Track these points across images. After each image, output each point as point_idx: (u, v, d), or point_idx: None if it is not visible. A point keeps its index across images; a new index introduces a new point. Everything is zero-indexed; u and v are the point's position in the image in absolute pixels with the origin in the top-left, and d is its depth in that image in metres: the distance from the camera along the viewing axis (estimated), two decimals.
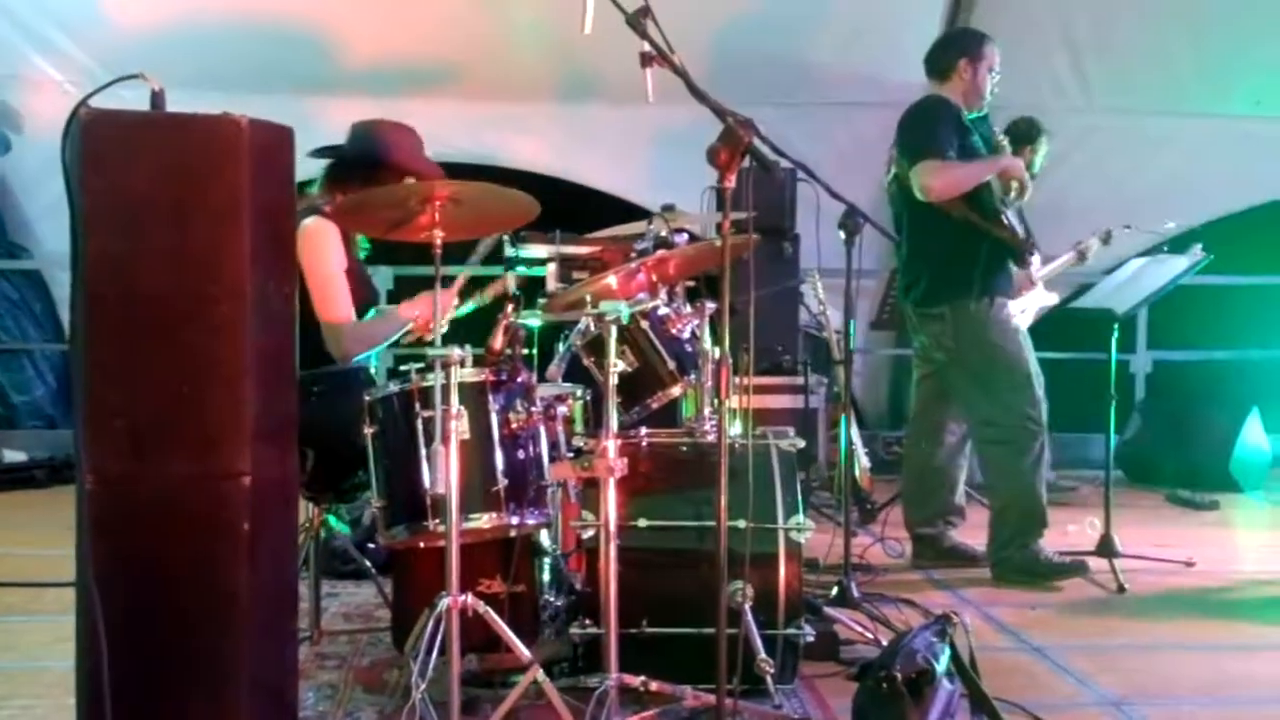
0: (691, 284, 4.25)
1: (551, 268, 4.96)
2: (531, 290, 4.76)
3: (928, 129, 4.70)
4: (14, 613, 4.29)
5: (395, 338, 3.97)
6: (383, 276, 7.24)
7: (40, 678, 3.55)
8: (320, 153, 3.85)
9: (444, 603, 2.83)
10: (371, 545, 4.39)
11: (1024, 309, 5.29)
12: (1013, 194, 4.76)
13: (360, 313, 3.87)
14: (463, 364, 2.88)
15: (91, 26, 7.25)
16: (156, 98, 2.53)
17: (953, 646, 3.05)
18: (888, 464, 7.10)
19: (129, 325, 2.49)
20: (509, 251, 4.68)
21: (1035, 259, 6.12)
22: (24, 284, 7.80)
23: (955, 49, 4.92)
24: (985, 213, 4.68)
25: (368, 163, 3.82)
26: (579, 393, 3.68)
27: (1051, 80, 7.62)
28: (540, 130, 7.89)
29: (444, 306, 3.86)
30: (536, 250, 4.84)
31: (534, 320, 4.15)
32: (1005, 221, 4.70)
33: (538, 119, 7.86)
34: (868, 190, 6.16)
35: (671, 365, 3.57)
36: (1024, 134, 6.34)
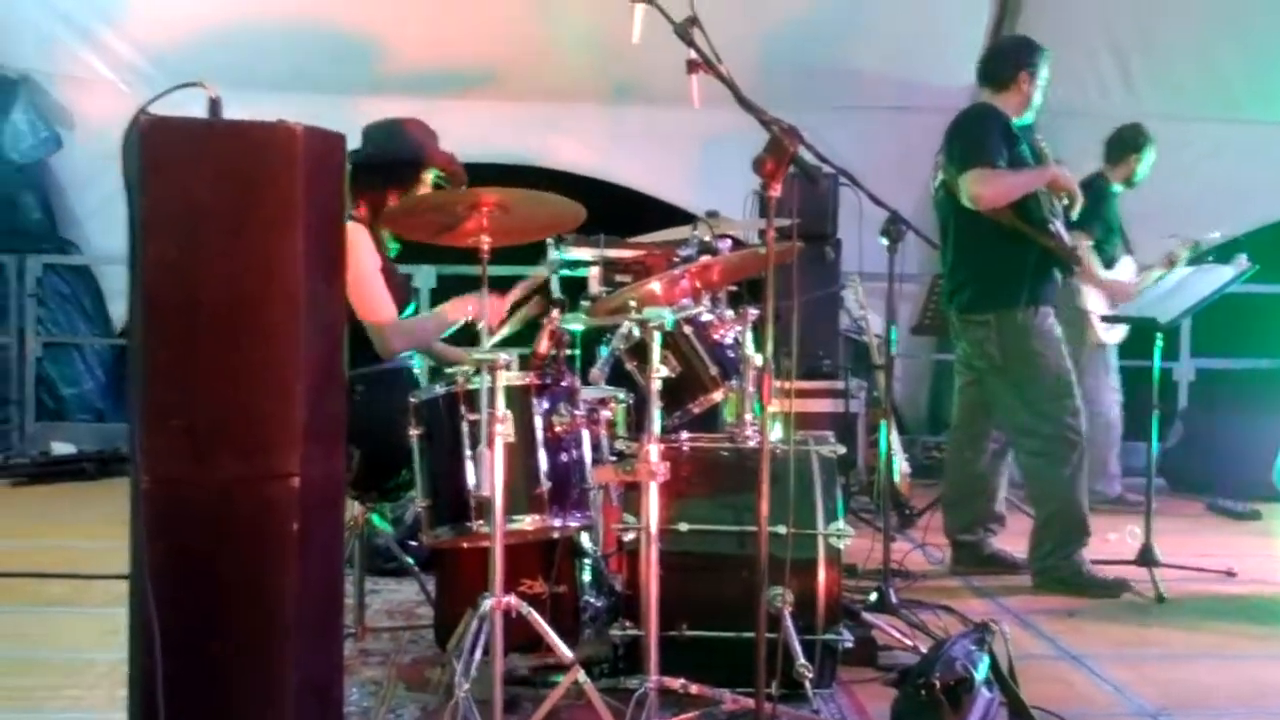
0: (733, 289, 4.28)
1: (594, 271, 4.99)
2: (574, 293, 4.81)
3: (978, 137, 4.70)
4: (63, 604, 4.38)
5: (441, 336, 4.01)
6: (425, 275, 7.31)
7: (90, 669, 3.62)
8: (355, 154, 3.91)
9: (488, 603, 2.87)
10: (413, 543, 4.44)
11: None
12: (1062, 204, 4.75)
13: (398, 312, 3.93)
14: (508, 367, 2.92)
15: (142, 26, 7.37)
16: (214, 105, 2.58)
17: (992, 655, 3.07)
18: (927, 469, 7.11)
19: (186, 328, 2.53)
20: (552, 254, 4.72)
21: (1128, 265, 6.14)
22: (74, 279, 7.92)
23: (1015, 60, 4.87)
24: (1033, 221, 4.68)
25: (386, 163, 3.86)
26: (620, 396, 3.71)
27: (1097, 83, 7.61)
28: (583, 132, 7.95)
29: (496, 312, 3.92)
30: (579, 253, 4.87)
31: (577, 324, 4.19)
32: (1053, 231, 4.70)
33: (581, 121, 7.91)
34: (911, 196, 6.18)
35: (714, 370, 3.59)
36: (1129, 142, 6.35)
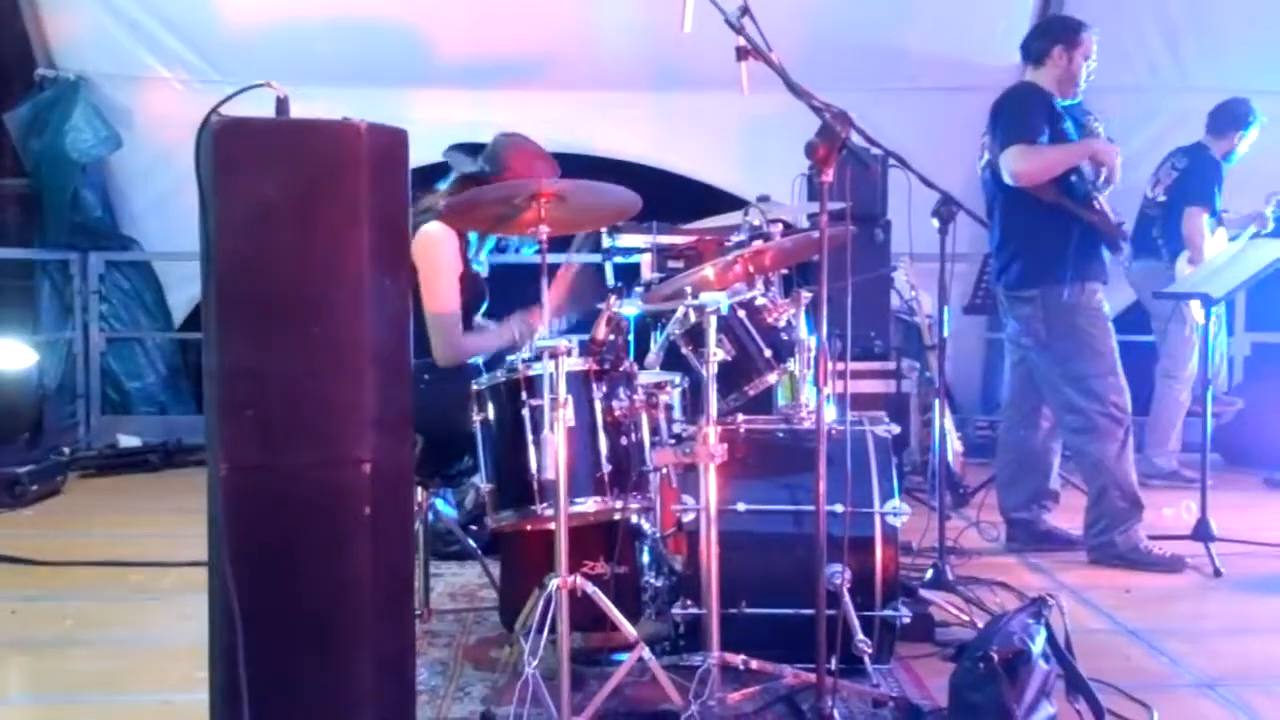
0: (784, 272, 4.33)
1: (647, 258, 5.06)
2: (627, 280, 4.87)
3: (1018, 114, 4.74)
4: (139, 591, 4.51)
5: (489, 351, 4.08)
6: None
7: (168, 652, 3.76)
8: (457, 148, 3.99)
9: (554, 583, 2.95)
10: (473, 528, 4.54)
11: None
12: (1102, 178, 4.76)
13: (467, 312, 4.01)
14: (569, 353, 2.99)
15: (197, 25, 7.50)
16: (281, 104, 2.66)
17: (1048, 628, 3.10)
18: (979, 448, 7.13)
19: (258, 321, 2.62)
20: (605, 242, 4.79)
21: (1220, 237, 6.11)
22: (135, 275, 8.05)
23: (1051, 35, 4.93)
24: (1076, 197, 4.70)
25: (477, 177, 3.96)
26: (676, 380, 3.77)
27: (1145, 59, 7.57)
28: (632, 120, 7.98)
29: (533, 328, 3.98)
30: (632, 240, 4.94)
31: (632, 310, 4.25)
32: (1096, 206, 4.71)
33: (629, 108, 7.95)
34: (960, 176, 6.19)
35: (768, 354, 3.64)
36: (1239, 117, 6.33)
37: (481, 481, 3.37)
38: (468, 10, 7.33)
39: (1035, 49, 4.93)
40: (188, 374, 8.19)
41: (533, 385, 3.14)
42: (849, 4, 7.32)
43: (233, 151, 2.60)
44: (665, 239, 4.80)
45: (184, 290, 8.10)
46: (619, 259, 4.84)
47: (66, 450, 7.09)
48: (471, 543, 4.31)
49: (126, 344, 8.04)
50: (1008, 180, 4.68)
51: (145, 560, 4.80)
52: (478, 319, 4.17)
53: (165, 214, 7.92)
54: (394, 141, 2.76)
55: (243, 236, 2.60)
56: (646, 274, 5.02)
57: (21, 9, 7.51)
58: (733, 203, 7.25)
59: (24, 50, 7.65)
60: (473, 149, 4.09)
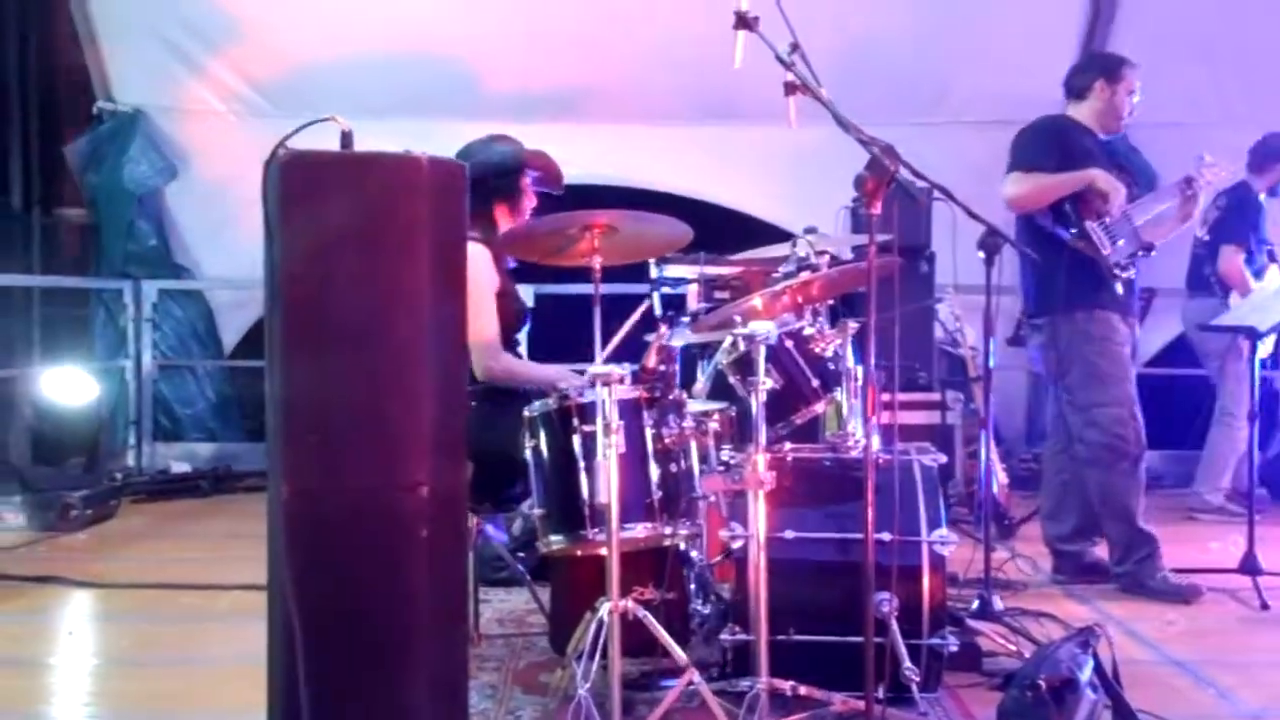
0: (830, 303, 4.38)
1: (693, 288, 5.11)
2: (673, 310, 4.92)
3: (1025, 142, 4.85)
4: (193, 614, 4.59)
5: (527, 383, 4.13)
6: (523, 294, 7.48)
7: (226, 674, 3.83)
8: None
9: (605, 607, 2.99)
10: (520, 554, 4.60)
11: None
12: (1107, 210, 4.75)
13: (508, 330, 4.08)
14: (622, 382, 3.04)
15: (250, 59, 7.66)
16: (346, 137, 2.74)
17: (1096, 658, 3.12)
18: (1023, 481, 7.12)
19: (321, 347, 2.69)
20: (653, 273, 4.85)
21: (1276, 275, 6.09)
22: (187, 303, 8.19)
23: (1093, 70, 4.98)
24: (1065, 225, 4.73)
25: (484, 177, 4.01)
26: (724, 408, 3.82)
27: (1188, 93, 7.57)
28: (674, 152, 8.05)
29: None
30: (679, 271, 4.99)
31: (679, 340, 4.30)
32: (1076, 234, 4.71)
33: (672, 141, 8.03)
34: (1003, 209, 6.20)
35: (815, 383, 3.69)
36: (1276, 150, 6.34)
37: (532, 507, 3.42)
38: (515, 44, 7.46)
39: (1077, 84, 4.98)
40: (237, 401, 8.31)
41: (584, 412, 3.20)
42: (893, 39, 7.38)
43: (298, 183, 2.68)
44: (712, 270, 4.85)
45: (235, 318, 8.24)
46: (666, 289, 4.90)
47: (119, 475, 7.22)
48: (520, 568, 4.36)
49: (178, 371, 8.18)
50: (1006, 206, 4.78)
51: (198, 583, 4.88)
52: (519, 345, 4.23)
53: (218, 244, 8.08)
54: (453, 174, 2.84)
55: (307, 265, 2.68)
56: (693, 304, 5.07)
57: (81, 43, 7.69)
58: (775, 235, 7.31)
59: (83, 84, 7.84)
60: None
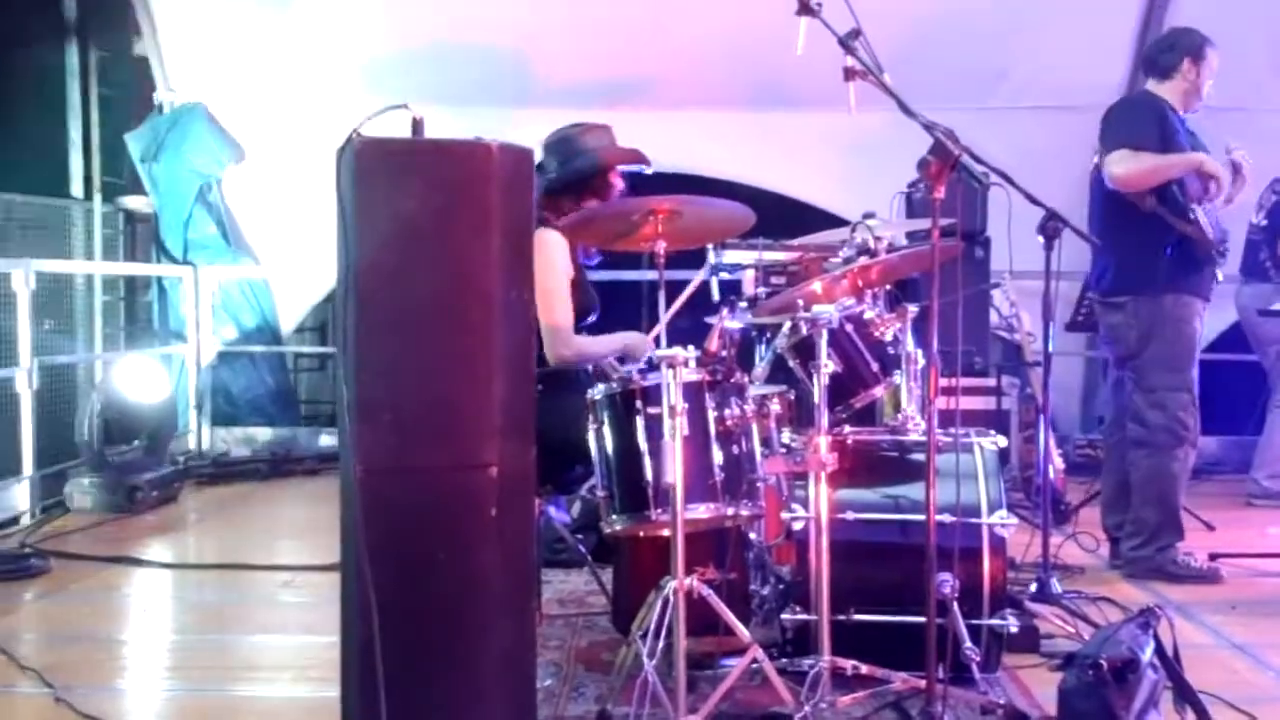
0: (888, 287, 4.39)
1: (750, 273, 5.14)
2: (731, 295, 4.95)
3: (1130, 119, 4.77)
4: (260, 593, 4.69)
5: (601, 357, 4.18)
6: None
7: (296, 648, 3.94)
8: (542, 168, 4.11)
9: (670, 586, 3.04)
10: (578, 536, 4.66)
11: None
12: (1211, 193, 4.76)
13: (579, 317, 4.12)
14: (687, 364, 3.08)
15: (311, 49, 7.74)
16: (417, 125, 2.80)
17: (1157, 639, 3.13)
18: (1079, 467, 7.12)
19: (394, 329, 2.75)
20: (711, 258, 4.88)
21: None
22: (246, 289, 8.31)
23: (1181, 49, 4.88)
24: (1174, 208, 4.70)
25: (574, 180, 4.07)
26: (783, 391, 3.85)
27: (1248, 78, 7.49)
28: (730, 138, 8.08)
29: (643, 349, 4.08)
30: (737, 256, 5.02)
31: (737, 324, 4.33)
32: (1193, 219, 4.70)
33: (727, 127, 8.05)
34: (1060, 195, 6.13)
35: (875, 367, 3.71)
36: None
37: (593, 490, 3.47)
38: (572, 32, 7.50)
39: (1162, 62, 4.89)
40: (295, 386, 8.42)
41: (648, 395, 3.23)
42: (950, 24, 7.35)
43: (371, 169, 2.73)
44: (770, 255, 4.88)
45: (292, 305, 8.36)
46: (723, 274, 4.93)
47: (181, 459, 7.34)
48: (581, 549, 4.41)
49: (237, 357, 8.30)
50: (1108, 183, 4.70)
51: (266, 564, 4.98)
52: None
53: (277, 231, 8.20)
54: (522, 159, 2.89)
55: (381, 249, 2.74)
56: (749, 289, 5.10)
57: (143, 32, 7.82)
58: (828, 221, 7.33)
59: (144, 73, 7.98)
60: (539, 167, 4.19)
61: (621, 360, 4.07)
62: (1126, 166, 4.66)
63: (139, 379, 6.49)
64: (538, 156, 4.02)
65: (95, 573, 4.91)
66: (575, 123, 4.22)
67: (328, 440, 7.72)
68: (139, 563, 5.04)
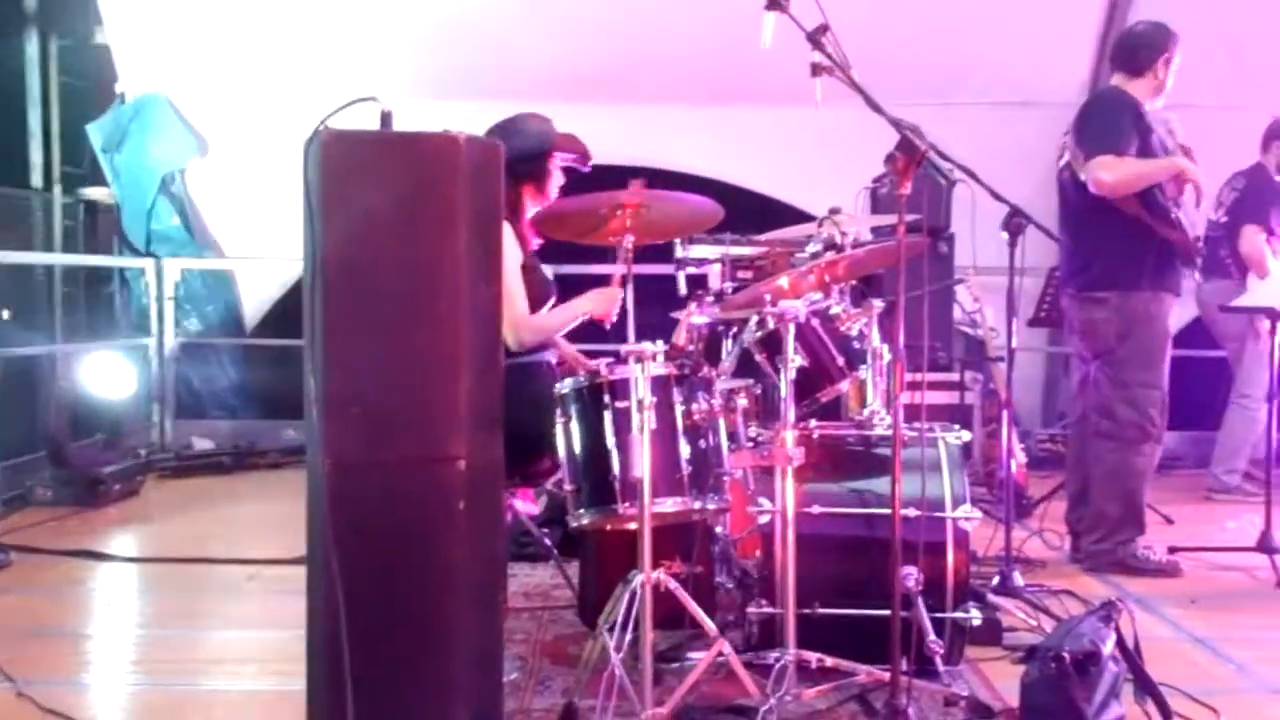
0: (853, 283, 4.41)
1: (716, 268, 5.15)
2: (697, 290, 4.95)
3: (1110, 123, 4.75)
4: (224, 588, 4.67)
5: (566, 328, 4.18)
6: None
7: (259, 643, 3.92)
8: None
9: (638, 579, 3.05)
10: (544, 529, 4.66)
11: None
12: (1188, 197, 4.80)
13: (536, 306, 4.12)
14: (655, 359, 3.09)
15: (272, 39, 7.70)
16: (385, 118, 2.79)
17: (1118, 632, 3.17)
18: (1040, 461, 7.19)
19: (361, 321, 2.74)
20: (678, 253, 4.89)
21: None
22: (209, 281, 8.26)
23: (1157, 47, 4.88)
24: (1155, 211, 4.73)
25: (513, 160, 4.05)
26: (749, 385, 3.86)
27: (1210, 76, 7.56)
28: (694, 133, 8.09)
29: (612, 304, 4.09)
30: (703, 251, 5.02)
31: (702, 318, 4.34)
32: (1174, 220, 4.74)
33: (692, 122, 8.06)
34: (1022, 191, 6.18)
35: (840, 361, 3.73)
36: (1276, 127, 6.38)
37: (559, 483, 3.47)
38: (537, 25, 7.49)
39: (1137, 59, 4.89)
40: (258, 378, 8.38)
41: (615, 389, 3.24)
42: (912, 20, 7.38)
43: (340, 161, 2.72)
44: (737, 250, 4.89)
45: (256, 297, 8.32)
46: (690, 269, 4.94)
47: (143, 452, 7.29)
48: (547, 542, 4.42)
49: (199, 349, 8.25)
50: (1092, 188, 4.70)
51: (230, 558, 4.96)
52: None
53: (239, 223, 8.15)
54: (489, 153, 2.89)
55: (349, 242, 2.73)
56: (716, 284, 5.11)
57: (104, 23, 7.74)
58: (793, 216, 7.34)
59: (106, 62, 7.90)
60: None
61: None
62: (1112, 174, 4.67)
63: (104, 374, 6.45)
64: None
65: (57, 566, 4.88)
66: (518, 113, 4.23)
67: (292, 434, 7.67)
68: (102, 556, 5.01)
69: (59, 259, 8.01)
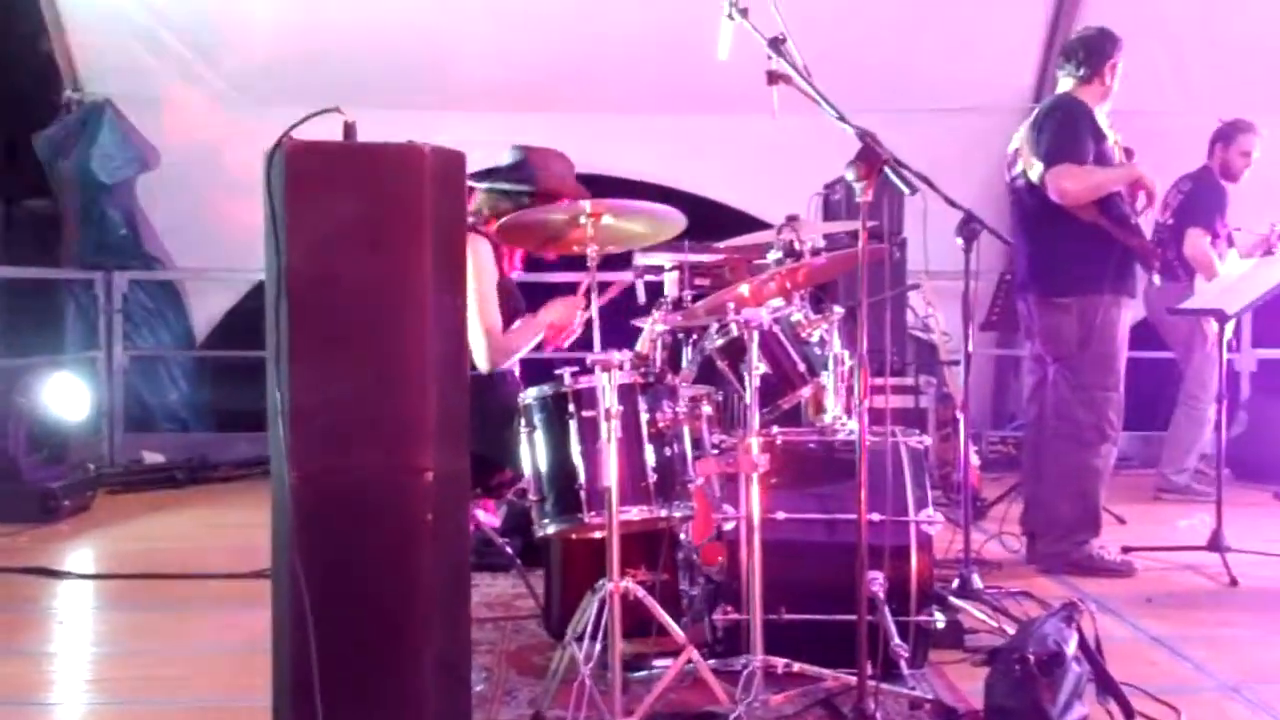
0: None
1: (674, 275, 5.16)
2: (654, 297, 4.96)
3: (1067, 132, 4.79)
4: (182, 603, 4.63)
5: (531, 345, 4.18)
6: None
7: (221, 659, 3.87)
8: (481, 175, 4.10)
9: (606, 588, 3.05)
10: (504, 539, 4.65)
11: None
12: (1140, 204, 4.87)
13: (508, 323, 4.11)
14: (622, 367, 3.10)
15: (222, 48, 7.67)
16: (349, 129, 2.78)
17: (1080, 632, 3.21)
18: (991, 463, 7.27)
19: (327, 333, 2.73)
20: (637, 260, 4.90)
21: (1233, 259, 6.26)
22: (158, 293, 8.18)
23: (1104, 52, 4.94)
24: (1115, 218, 4.79)
25: (524, 191, 4.07)
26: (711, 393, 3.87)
27: (1152, 81, 7.68)
28: (647, 141, 8.11)
29: (572, 313, 4.10)
30: (658, 259, 5.03)
31: (665, 326, 4.34)
32: (1133, 226, 4.81)
33: (645, 130, 8.08)
34: (972, 195, 6.29)
35: (801, 367, 3.76)
36: (1221, 132, 6.51)
37: (521, 493, 3.47)
38: (491, 33, 7.48)
39: (1087, 65, 4.94)
40: (209, 391, 8.31)
41: (580, 398, 3.24)
42: (860, 26, 7.45)
43: (304, 172, 2.71)
44: (694, 257, 4.90)
45: (206, 308, 8.26)
46: (649, 277, 4.94)
47: (92, 466, 7.18)
48: (510, 552, 4.41)
49: (149, 362, 8.16)
50: (1054, 198, 4.75)
51: (185, 573, 4.90)
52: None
53: (188, 233, 8.07)
54: (454, 163, 2.88)
55: (314, 254, 2.72)
56: (674, 291, 5.11)
57: (49, 32, 7.65)
58: (743, 222, 7.40)
59: (51, 73, 7.81)
60: (494, 172, 4.19)
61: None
62: (1074, 183, 4.72)
63: (58, 390, 6.37)
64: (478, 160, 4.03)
65: (8, 584, 4.80)
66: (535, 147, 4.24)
67: (245, 446, 7.60)
68: (55, 574, 4.93)
69: (4, 271, 7.89)
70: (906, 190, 3.07)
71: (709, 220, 7.45)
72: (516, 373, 4.22)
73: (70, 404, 6.40)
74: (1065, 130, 4.81)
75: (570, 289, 4.30)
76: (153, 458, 7.63)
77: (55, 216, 8.06)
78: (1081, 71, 4.96)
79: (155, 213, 8.15)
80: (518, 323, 4.14)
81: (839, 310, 3.81)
